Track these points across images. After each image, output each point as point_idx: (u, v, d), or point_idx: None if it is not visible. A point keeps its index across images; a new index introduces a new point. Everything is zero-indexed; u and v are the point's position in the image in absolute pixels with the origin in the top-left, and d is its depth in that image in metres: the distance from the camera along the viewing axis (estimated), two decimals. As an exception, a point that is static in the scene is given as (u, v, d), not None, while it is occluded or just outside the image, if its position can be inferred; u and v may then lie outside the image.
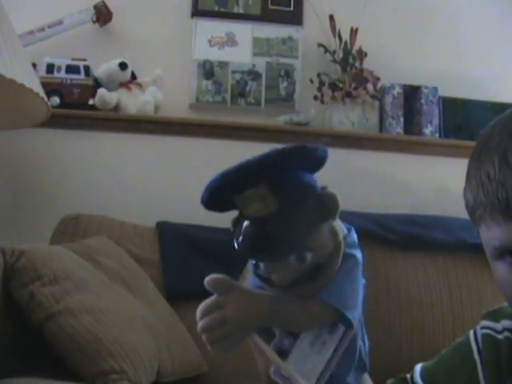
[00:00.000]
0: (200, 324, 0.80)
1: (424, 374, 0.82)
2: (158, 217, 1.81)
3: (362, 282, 0.89)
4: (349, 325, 0.83)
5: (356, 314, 0.84)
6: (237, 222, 0.83)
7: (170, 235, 1.75)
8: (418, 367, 0.84)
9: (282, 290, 0.82)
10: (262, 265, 0.82)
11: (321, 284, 0.82)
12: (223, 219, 2.02)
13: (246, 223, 0.80)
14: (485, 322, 0.77)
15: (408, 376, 0.84)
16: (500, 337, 0.74)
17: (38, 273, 1.14)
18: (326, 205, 0.81)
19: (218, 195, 0.83)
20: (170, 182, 1.97)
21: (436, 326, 1.68)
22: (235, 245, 0.82)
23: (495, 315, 0.77)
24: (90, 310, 1.13)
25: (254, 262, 0.83)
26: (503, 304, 0.77)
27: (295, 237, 0.78)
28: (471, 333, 0.78)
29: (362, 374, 0.94)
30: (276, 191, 0.78)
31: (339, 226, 0.86)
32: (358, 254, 0.89)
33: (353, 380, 0.91)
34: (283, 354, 0.83)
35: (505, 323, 0.75)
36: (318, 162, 0.82)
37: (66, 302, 1.12)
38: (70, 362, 1.07)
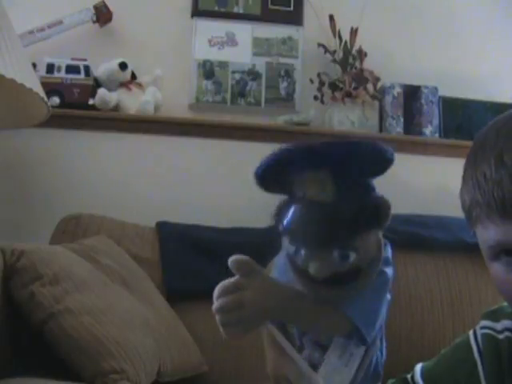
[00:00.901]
0: (216, 303, 0.78)
1: (424, 374, 0.82)
2: (158, 217, 1.81)
3: (387, 300, 0.87)
4: (362, 342, 0.82)
5: (373, 333, 0.82)
6: (284, 206, 0.80)
7: (170, 235, 1.75)
8: (418, 367, 0.84)
9: (313, 286, 0.80)
10: (302, 252, 0.79)
11: (352, 290, 0.81)
12: (223, 219, 2.03)
13: (298, 205, 0.77)
14: (484, 322, 0.77)
15: (408, 376, 0.84)
16: (500, 336, 0.74)
17: (38, 273, 1.14)
18: (380, 211, 0.79)
19: (276, 170, 0.80)
20: (170, 182, 1.97)
21: (436, 326, 1.68)
22: (280, 226, 0.80)
23: (495, 315, 0.77)
24: (89, 310, 1.13)
25: (294, 248, 0.81)
26: (503, 304, 0.77)
27: (345, 232, 0.76)
28: (471, 333, 0.78)
29: None
30: (338, 180, 0.76)
31: (382, 237, 0.83)
32: (390, 271, 0.87)
33: None
34: (313, 367, 0.83)
35: (505, 323, 0.75)
36: (384, 165, 0.79)
37: (66, 302, 1.12)
38: (70, 362, 1.07)
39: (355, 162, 0.77)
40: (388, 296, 0.89)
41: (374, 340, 0.85)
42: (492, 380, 0.73)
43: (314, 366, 0.83)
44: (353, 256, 0.77)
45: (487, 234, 0.62)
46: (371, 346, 0.85)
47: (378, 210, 0.79)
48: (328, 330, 0.84)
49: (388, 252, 0.89)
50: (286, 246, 0.82)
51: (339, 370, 0.81)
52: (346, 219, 0.75)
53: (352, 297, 0.81)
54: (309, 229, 0.76)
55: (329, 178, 0.76)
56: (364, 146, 0.76)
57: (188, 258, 1.71)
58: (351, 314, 0.81)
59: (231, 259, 0.77)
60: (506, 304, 0.77)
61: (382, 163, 0.79)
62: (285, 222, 0.79)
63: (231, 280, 0.78)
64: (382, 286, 0.85)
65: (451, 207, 1.96)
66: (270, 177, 0.81)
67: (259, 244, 1.70)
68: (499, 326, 0.75)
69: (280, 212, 0.81)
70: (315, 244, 0.77)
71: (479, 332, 0.77)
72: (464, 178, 0.66)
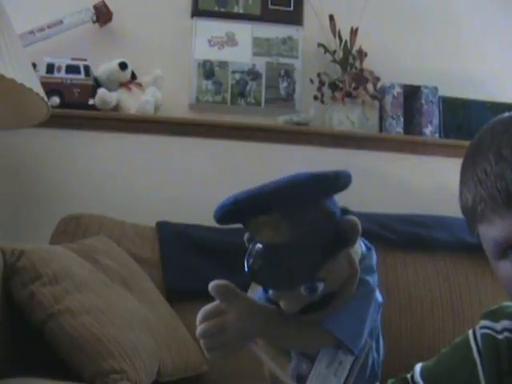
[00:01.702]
0: (199, 328, 0.79)
1: (424, 374, 0.82)
2: (158, 217, 1.81)
3: (377, 304, 0.86)
4: (350, 352, 0.82)
5: (359, 342, 0.82)
6: (249, 241, 0.82)
7: (170, 235, 1.75)
8: (418, 367, 0.84)
9: (290, 315, 0.80)
10: (270, 292, 0.80)
11: (329, 311, 0.81)
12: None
13: (257, 247, 0.78)
14: (484, 322, 0.77)
15: (408, 376, 0.84)
16: (500, 337, 0.74)
17: (38, 273, 1.14)
18: (343, 233, 0.77)
19: (231, 216, 0.83)
20: (170, 182, 1.97)
21: (436, 326, 1.68)
22: (245, 266, 0.81)
23: (494, 315, 0.77)
24: (90, 309, 1.13)
25: (262, 288, 0.82)
26: (502, 304, 0.77)
27: (307, 268, 0.75)
28: (470, 332, 0.78)
29: None
30: (290, 220, 0.75)
31: (357, 249, 0.83)
32: (374, 278, 0.86)
33: None
34: (302, 378, 0.82)
35: (504, 323, 0.75)
36: (340, 187, 0.79)
37: (66, 302, 1.12)
38: (70, 362, 1.07)
39: (304, 197, 0.76)
40: (379, 298, 0.88)
41: (363, 347, 0.85)
42: (491, 380, 0.73)
43: (302, 378, 0.82)
44: (321, 286, 0.77)
45: (493, 230, 0.62)
46: (360, 353, 0.85)
47: (340, 233, 0.77)
48: (312, 345, 0.84)
49: (372, 258, 0.88)
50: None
51: (328, 380, 0.81)
52: (307, 255, 0.75)
53: (327, 315, 0.81)
54: (270, 272, 0.77)
55: (280, 219, 0.76)
56: (306, 182, 0.74)
57: (188, 258, 1.71)
58: (333, 328, 0.80)
59: (211, 285, 0.78)
60: (505, 304, 0.77)
61: (330, 189, 0.78)
62: (246, 266, 0.80)
63: (212, 304, 0.79)
64: (366, 295, 0.84)
65: (451, 207, 1.96)
66: (227, 222, 0.86)
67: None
68: (499, 326, 0.75)
69: (247, 248, 0.82)
70: (279, 286, 0.78)
71: (479, 332, 0.77)
72: (463, 180, 0.66)
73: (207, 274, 1.66)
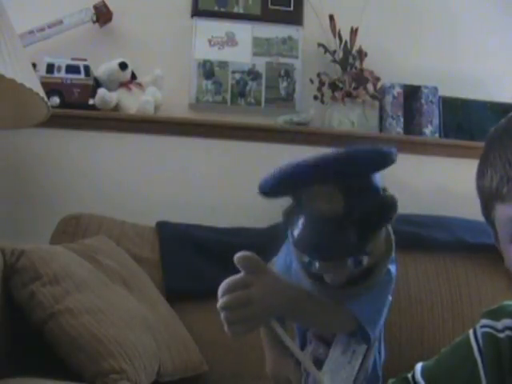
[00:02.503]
0: (222, 301, 0.76)
1: (425, 373, 0.82)
2: (157, 217, 1.81)
3: (389, 300, 0.87)
4: (366, 340, 0.82)
5: (376, 331, 0.83)
6: (292, 214, 0.80)
7: (170, 235, 1.75)
8: (419, 366, 0.84)
9: (329, 291, 0.80)
10: (317, 265, 0.79)
11: (364, 289, 0.81)
12: (223, 219, 2.03)
13: (308, 218, 0.77)
14: (485, 321, 0.77)
15: (409, 375, 0.84)
16: (501, 335, 0.74)
17: (38, 273, 1.14)
18: (386, 207, 0.79)
19: (284, 185, 0.80)
20: (170, 182, 1.97)
21: (436, 326, 1.68)
22: (291, 238, 0.80)
23: (495, 314, 0.77)
24: (90, 309, 1.13)
25: (308, 259, 0.80)
26: (503, 303, 0.77)
27: (357, 240, 0.76)
28: (471, 332, 0.78)
29: None
30: (345, 192, 0.76)
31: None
32: (393, 269, 0.87)
33: None
34: (318, 362, 0.82)
35: (505, 322, 0.75)
36: (386, 165, 0.79)
37: (66, 302, 1.12)
38: (70, 362, 1.07)
39: (359, 171, 0.77)
40: (389, 297, 0.89)
41: (374, 339, 0.85)
42: (492, 379, 0.73)
43: (319, 362, 0.82)
44: (366, 259, 0.78)
45: None
46: (372, 344, 0.85)
47: (384, 208, 0.79)
48: (333, 327, 0.84)
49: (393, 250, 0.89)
50: (299, 254, 0.82)
51: (343, 367, 0.81)
52: (356, 228, 0.75)
53: (359, 295, 0.81)
54: (321, 243, 0.76)
55: (335, 190, 0.76)
56: (366, 154, 0.76)
57: (188, 258, 1.71)
58: (357, 312, 0.81)
59: (237, 256, 0.76)
60: (506, 303, 0.77)
61: (385, 165, 0.79)
62: (296, 235, 0.78)
63: (237, 277, 0.76)
64: (387, 285, 0.86)
65: (451, 207, 1.97)
66: (276, 192, 0.81)
67: (259, 244, 1.70)
68: (500, 325, 0.75)
69: (289, 220, 0.80)
70: (329, 257, 0.78)
71: (479, 331, 0.77)
72: (488, 161, 0.68)
73: (207, 274, 1.68)
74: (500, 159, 0.65)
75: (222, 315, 0.76)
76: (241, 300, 0.75)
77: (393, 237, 0.85)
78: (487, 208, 0.69)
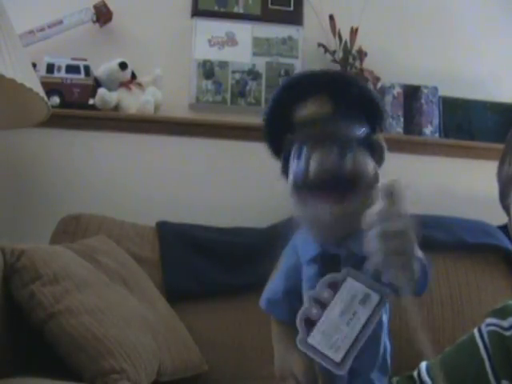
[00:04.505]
0: (381, 228, 0.70)
1: (431, 372, 0.82)
2: (157, 217, 1.81)
3: None
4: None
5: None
6: (292, 144, 0.87)
7: (170, 235, 1.75)
8: (424, 365, 0.84)
9: (314, 197, 0.83)
10: (304, 151, 0.84)
11: (356, 200, 0.82)
12: (223, 219, 2.03)
13: (300, 122, 0.86)
14: (491, 320, 0.77)
15: (414, 373, 0.84)
16: (507, 333, 0.74)
17: (38, 272, 1.14)
18: (373, 143, 0.86)
19: (281, 106, 0.91)
20: (170, 182, 1.97)
21: (436, 326, 1.68)
22: (287, 138, 0.88)
23: (501, 312, 0.77)
24: (90, 309, 1.13)
25: (296, 154, 0.86)
26: (508, 302, 0.77)
27: (343, 133, 0.83)
28: (475, 330, 0.78)
29: (385, 377, 0.92)
30: (334, 102, 0.85)
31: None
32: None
33: (376, 379, 0.89)
34: (310, 322, 0.81)
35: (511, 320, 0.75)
36: (372, 109, 0.88)
37: (67, 302, 1.12)
38: (70, 362, 1.07)
39: (350, 91, 0.86)
40: None
41: (384, 302, 0.84)
42: (501, 376, 0.73)
43: (311, 322, 0.81)
44: (350, 160, 0.82)
45: None
46: (377, 308, 0.83)
47: (372, 142, 0.86)
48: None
49: None
50: (292, 166, 0.87)
51: (339, 329, 0.79)
52: (344, 126, 0.84)
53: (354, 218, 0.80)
54: (310, 129, 0.85)
55: (327, 99, 0.85)
56: (356, 80, 0.87)
57: (188, 258, 1.71)
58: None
59: (388, 182, 0.73)
60: (511, 302, 0.77)
61: (371, 104, 0.88)
62: (290, 136, 0.88)
63: (386, 205, 0.72)
64: None
65: (451, 207, 1.97)
66: (277, 113, 0.93)
67: (259, 244, 1.71)
68: (506, 323, 0.75)
69: (289, 143, 0.88)
70: (316, 138, 0.84)
71: (485, 329, 0.77)
72: (508, 149, 0.71)
73: (207, 274, 1.68)
74: None
75: (379, 246, 0.69)
76: (398, 229, 0.70)
77: (380, 177, 0.89)
78: (503, 193, 0.70)
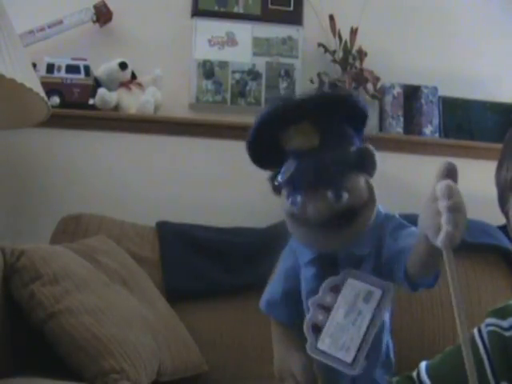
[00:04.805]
0: (451, 202, 0.73)
1: (430, 372, 0.82)
2: (157, 217, 1.81)
3: None
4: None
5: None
6: (277, 169, 0.87)
7: (170, 235, 1.75)
8: (423, 365, 0.84)
9: (313, 232, 0.83)
10: (299, 199, 0.82)
11: (354, 230, 0.84)
12: (223, 219, 2.03)
13: (288, 158, 0.84)
14: (490, 320, 0.77)
15: (414, 374, 0.84)
16: (507, 334, 0.74)
17: (38, 272, 1.14)
18: (365, 157, 0.85)
19: (264, 133, 0.88)
20: (170, 182, 1.97)
21: (436, 326, 1.68)
22: (277, 182, 0.87)
23: (501, 313, 0.77)
24: (90, 309, 1.13)
25: (291, 199, 0.84)
26: (509, 302, 0.77)
27: (333, 172, 0.82)
28: (475, 330, 0.78)
29: (390, 373, 0.92)
30: (319, 129, 0.83)
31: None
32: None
33: (380, 377, 0.89)
34: (318, 328, 0.82)
35: (511, 320, 0.75)
36: (359, 116, 0.86)
37: (66, 302, 1.12)
38: (70, 362, 1.07)
39: (330, 113, 0.84)
40: None
41: (390, 290, 0.85)
42: (500, 377, 0.73)
43: (318, 328, 0.82)
44: (345, 195, 0.83)
45: None
46: (381, 304, 0.84)
47: (362, 156, 0.86)
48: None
49: (400, 219, 0.97)
50: (284, 202, 0.87)
51: (346, 329, 0.80)
52: (333, 161, 0.83)
53: (350, 238, 0.84)
54: (302, 176, 0.83)
55: (310, 127, 0.83)
56: (334, 94, 0.86)
57: (188, 258, 1.71)
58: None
59: (447, 162, 0.76)
60: (511, 302, 0.77)
61: (357, 113, 0.86)
62: (279, 177, 0.86)
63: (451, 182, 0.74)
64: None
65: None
66: (259, 143, 0.91)
67: (259, 244, 1.71)
68: (506, 323, 0.75)
69: (275, 177, 0.88)
70: (310, 187, 0.83)
71: (485, 330, 0.77)
72: (506, 154, 0.70)
73: (207, 274, 1.68)
74: None
75: (450, 219, 0.73)
76: (461, 203, 0.74)
77: (374, 189, 0.89)
78: (502, 199, 0.70)
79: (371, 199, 0.86)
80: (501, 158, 0.73)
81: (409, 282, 0.83)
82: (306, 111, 0.83)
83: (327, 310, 0.83)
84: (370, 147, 0.87)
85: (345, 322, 0.80)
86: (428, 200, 0.72)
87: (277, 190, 0.89)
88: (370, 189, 0.87)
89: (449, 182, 0.73)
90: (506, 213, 0.70)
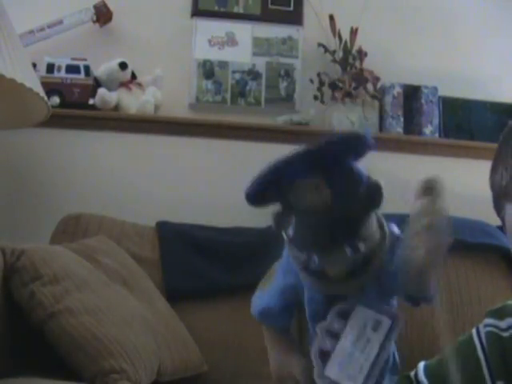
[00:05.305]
0: (427, 222, 0.71)
1: (428, 372, 0.82)
2: (157, 217, 1.81)
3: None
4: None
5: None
6: (282, 215, 0.80)
7: (170, 235, 1.75)
8: (422, 365, 0.84)
9: (331, 286, 0.81)
10: (316, 259, 0.80)
11: (369, 274, 0.82)
12: (223, 219, 2.03)
13: (298, 215, 0.78)
14: (488, 320, 0.77)
15: (412, 374, 0.84)
16: (505, 334, 0.74)
17: (38, 272, 1.14)
18: (372, 194, 0.80)
19: (266, 187, 0.80)
20: (170, 182, 1.97)
21: (436, 326, 1.68)
22: (287, 239, 0.80)
23: (499, 313, 0.77)
24: (90, 309, 1.13)
25: (306, 257, 0.81)
26: (507, 302, 0.77)
27: (349, 225, 0.77)
28: (474, 331, 0.78)
29: (395, 376, 0.92)
30: (329, 182, 0.77)
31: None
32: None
33: (387, 381, 0.89)
34: (324, 355, 0.81)
35: (509, 321, 0.75)
36: (365, 149, 0.80)
37: (66, 302, 1.12)
38: (70, 362, 1.07)
39: (339, 159, 0.78)
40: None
41: (397, 323, 0.85)
42: (497, 377, 0.73)
43: (325, 354, 0.81)
44: (362, 246, 0.78)
45: None
46: (391, 331, 0.84)
47: (372, 194, 0.80)
48: None
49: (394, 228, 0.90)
50: (295, 254, 0.82)
51: (354, 357, 0.80)
52: (348, 213, 0.77)
53: (363, 287, 0.81)
54: (317, 236, 0.77)
55: (319, 181, 0.77)
56: (340, 140, 0.76)
57: (188, 258, 1.71)
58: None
59: (426, 179, 0.73)
60: (510, 302, 0.77)
61: (360, 147, 0.80)
62: (290, 234, 0.79)
63: (429, 200, 0.73)
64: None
65: (451, 207, 1.96)
66: (261, 197, 0.82)
67: (259, 244, 1.71)
68: (504, 324, 0.75)
69: (280, 223, 0.81)
70: (327, 248, 0.78)
71: (483, 330, 0.77)
72: (501, 158, 0.68)
73: (207, 274, 1.68)
74: (511, 157, 0.65)
75: (421, 240, 0.70)
76: (441, 225, 0.70)
77: (385, 223, 0.86)
78: (498, 204, 0.69)
79: (382, 236, 0.83)
80: (494, 161, 0.71)
81: (407, 299, 0.82)
82: (313, 165, 0.76)
83: (335, 336, 0.83)
84: (375, 181, 0.81)
85: (353, 350, 0.80)
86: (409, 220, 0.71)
87: (280, 229, 0.82)
88: (381, 224, 0.83)
89: (424, 200, 0.72)
90: (501, 218, 0.70)
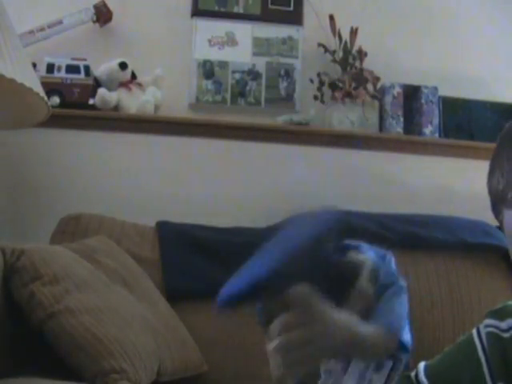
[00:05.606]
0: (279, 341, 0.68)
1: (428, 373, 0.82)
2: (157, 217, 1.81)
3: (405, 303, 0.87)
4: (404, 349, 0.82)
5: (408, 339, 0.82)
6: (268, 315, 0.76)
7: (170, 235, 1.75)
8: (422, 365, 0.84)
9: None
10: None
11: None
12: (223, 219, 2.03)
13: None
14: (489, 321, 0.77)
15: (412, 374, 0.84)
16: (505, 335, 0.74)
17: (38, 272, 1.14)
18: (353, 273, 0.77)
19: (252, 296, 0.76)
20: (170, 182, 1.97)
21: (436, 326, 1.68)
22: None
23: (500, 314, 0.77)
24: (90, 309, 1.13)
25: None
26: (507, 302, 0.77)
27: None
28: (474, 331, 0.78)
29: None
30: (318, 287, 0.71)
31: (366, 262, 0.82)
32: (401, 282, 0.88)
33: None
34: None
35: (510, 322, 0.75)
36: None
37: (66, 302, 1.12)
38: (70, 362, 1.07)
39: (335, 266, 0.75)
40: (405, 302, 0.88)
41: (400, 361, 0.84)
42: (497, 378, 0.73)
43: None
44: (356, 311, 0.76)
45: None
46: (394, 371, 0.84)
47: (351, 273, 0.77)
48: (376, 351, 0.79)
49: (390, 265, 0.89)
50: None
51: None
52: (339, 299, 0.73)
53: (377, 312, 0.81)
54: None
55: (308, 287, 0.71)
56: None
57: (188, 258, 1.71)
58: (388, 325, 0.80)
59: (291, 293, 0.69)
60: (510, 303, 0.77)
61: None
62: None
63: (291, 315, 0.69)
64: (396, 294, 0.86)
65: (451, 207, 1.97)
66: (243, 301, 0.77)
67: (259, 244, 1.71)
68: (504, 324, 0.75)
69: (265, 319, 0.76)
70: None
71: (483, 331, 0.77)
72: (497, 162, 0.66)
73: (207, 274, 1.68)
74: (508, 162, 0.64)
75: (277, 359, 0.68)
76: (301, 339, 0.67)
77: (383, 257, 0.85)
78: (495, 209, 0.68)
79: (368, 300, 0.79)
80: (491, 166, 0.69)
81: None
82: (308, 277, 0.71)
83: (338, 376, 0.83)
84: (352, 262, 0.78)
85: None
86: None
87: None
88: (373, 279, 0.81)
89: (284, 318, 0.67)
90: (500, 222, 0.69)
